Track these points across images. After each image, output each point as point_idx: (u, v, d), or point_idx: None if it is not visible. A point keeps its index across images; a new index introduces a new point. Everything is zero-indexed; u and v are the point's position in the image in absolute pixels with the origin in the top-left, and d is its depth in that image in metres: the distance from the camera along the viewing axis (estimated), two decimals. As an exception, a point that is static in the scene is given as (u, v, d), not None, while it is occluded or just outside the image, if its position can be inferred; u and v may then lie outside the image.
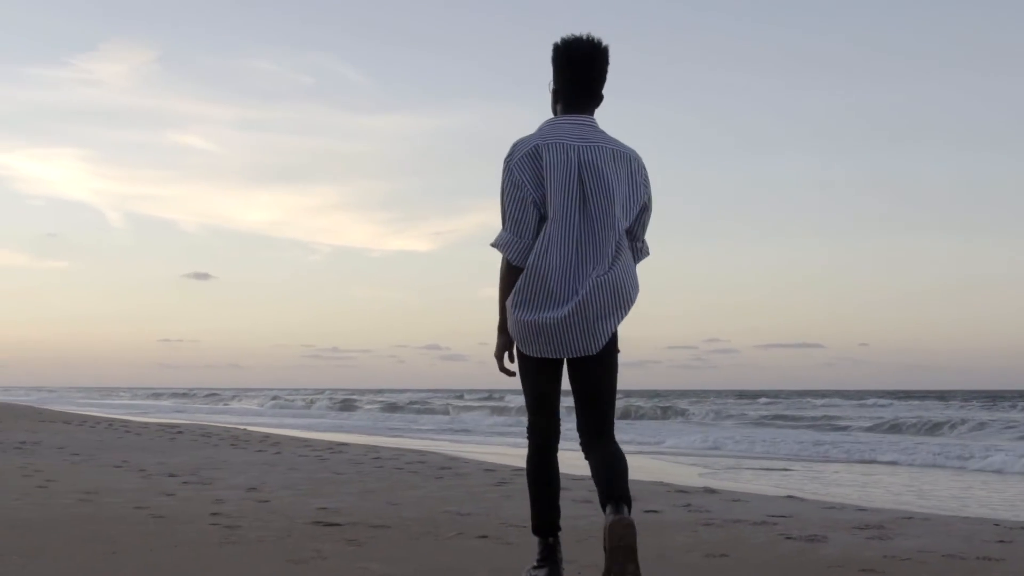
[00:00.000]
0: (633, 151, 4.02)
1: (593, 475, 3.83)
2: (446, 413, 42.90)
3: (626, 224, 3.97)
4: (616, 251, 3.90)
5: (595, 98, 4.04)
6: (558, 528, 4.03)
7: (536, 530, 4.01)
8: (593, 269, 3.85)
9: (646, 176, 4.04)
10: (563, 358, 3.94)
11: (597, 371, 3.94)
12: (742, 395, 51.57)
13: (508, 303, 3.92)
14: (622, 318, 3.92)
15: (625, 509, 3.63)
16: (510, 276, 3.94)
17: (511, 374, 4.08)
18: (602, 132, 4.01)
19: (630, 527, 3.54)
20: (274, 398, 60.53)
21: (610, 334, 3.90)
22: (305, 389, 68.51)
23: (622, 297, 3.89)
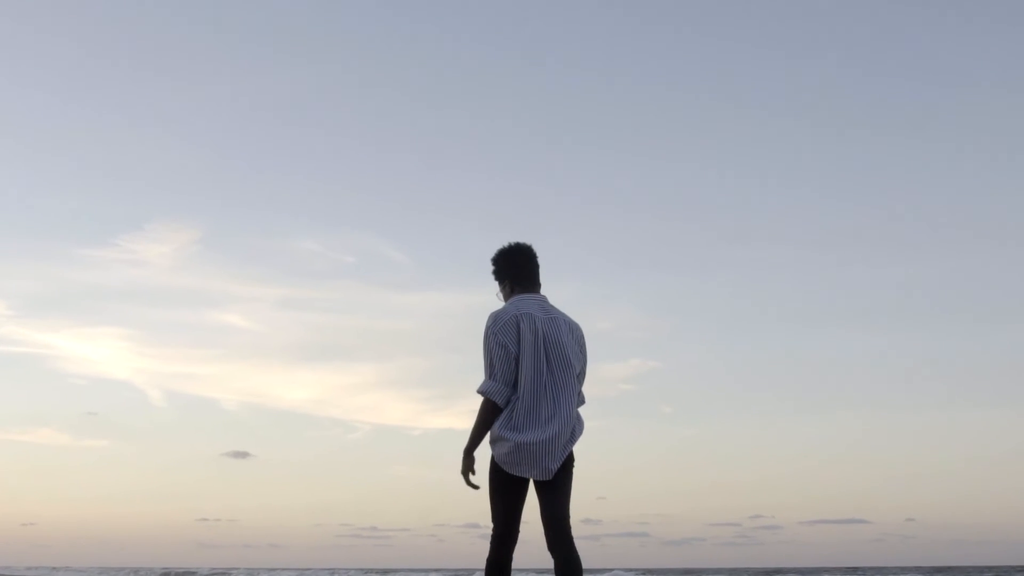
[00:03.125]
0: (576, 323, 5.43)
1: (556, 573, 5.08)
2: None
3: (576, 382, 5.28)
4: (572, 400, 5.22)
5: (538, 282, 5.48)
6: None
7: None
8: (561, 413, 5.16)
9: (584, 344, 5.40)
10: (532, 479, 5.17)
11: (563, 483, 5.21)
12: (778, 571, 50.50)
13: (501, 435, 5.16)
14: (572, 447, 5.24)
15: None
16: (492, 415, 5.21)
17: (476, 487, 5.27)
18: (554, 307, 5.40)
19: None
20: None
21: (564, 458, 5.21)
22: (343, 569, 67.67)
23: (576, 435, 5.26)
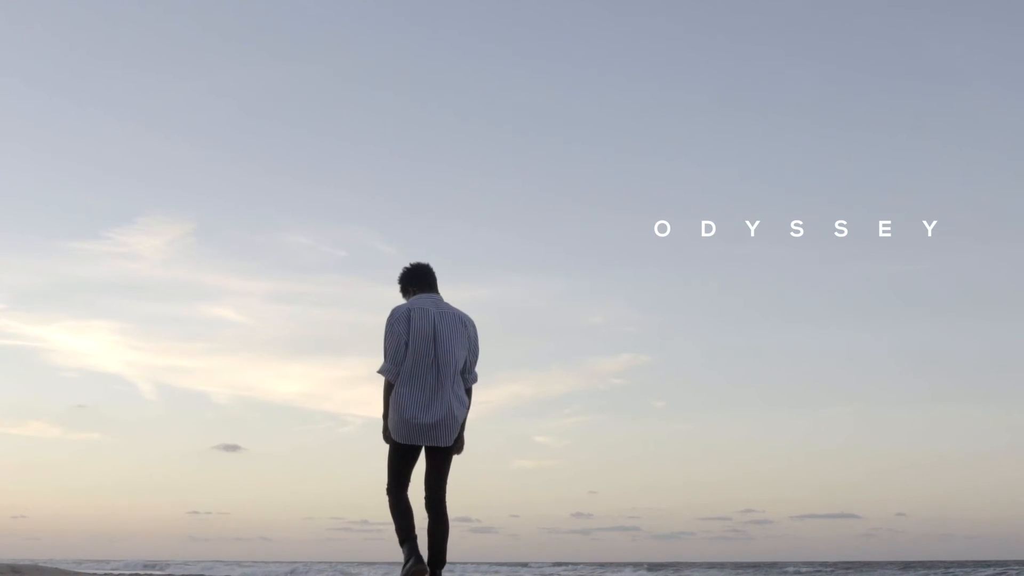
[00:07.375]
0: (467, 316, 6.48)
1: (428, 531, 6.21)
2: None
3: (460, 365, 6.34)
4: (455, 382, 6.29)
5: (435, 287, 6.56)
6: (415, 534, 6.17)
7: (404, 539, 6.14)
8: (446, 393, 6.22)
9: (474, 332, 6.48)
10: (422, 445, 6.25)
11: (447, 455, 6.38)
12: (769, 565, 50.56)
13: (393, 411, 6.22)
14: (460, 423, 6.33)
15: (440, 571, 6.11)
16: (390, 390, 6.27)
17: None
18: (447, 304, 6.48)
19: None
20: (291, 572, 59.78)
21: (456, 433, 6.31)
22: (333, 562, 67.78)
23: (461, 410, 6.33)
